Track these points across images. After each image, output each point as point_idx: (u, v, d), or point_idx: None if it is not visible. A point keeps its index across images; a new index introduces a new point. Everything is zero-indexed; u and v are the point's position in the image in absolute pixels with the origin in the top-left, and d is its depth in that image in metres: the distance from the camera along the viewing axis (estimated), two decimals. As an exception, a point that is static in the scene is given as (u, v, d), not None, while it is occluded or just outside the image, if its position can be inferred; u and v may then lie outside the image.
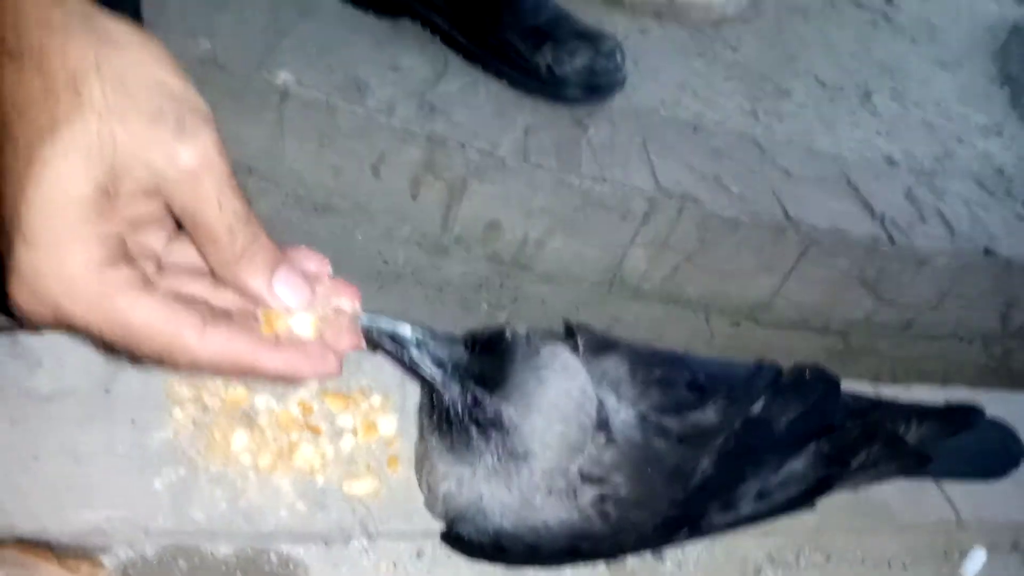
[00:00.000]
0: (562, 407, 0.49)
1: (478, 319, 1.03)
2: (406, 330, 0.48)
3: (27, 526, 0.45)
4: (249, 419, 0.55)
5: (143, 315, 0.39)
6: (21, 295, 0.38)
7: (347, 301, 0.45)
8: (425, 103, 1.00)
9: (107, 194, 0.38)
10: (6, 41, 0.37)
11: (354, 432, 0.57)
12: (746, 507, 0.56)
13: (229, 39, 0.97)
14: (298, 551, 0.51)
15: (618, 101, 1.15)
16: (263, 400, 0.56)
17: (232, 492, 0.51)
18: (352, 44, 1.04)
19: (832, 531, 0.66)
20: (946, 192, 1.25)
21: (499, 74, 1.08)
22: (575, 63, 1.06)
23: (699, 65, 1.38)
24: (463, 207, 1.03)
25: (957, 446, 0.65)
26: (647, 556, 0.59)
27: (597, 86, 1.08)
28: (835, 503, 0.64)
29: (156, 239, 0.43)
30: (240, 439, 0.53)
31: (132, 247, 0.41)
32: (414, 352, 0.48)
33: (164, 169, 0.38)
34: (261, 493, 0.52)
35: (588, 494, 0.48)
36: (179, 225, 0.43)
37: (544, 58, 1.06)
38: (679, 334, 1.15)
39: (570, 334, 0.56)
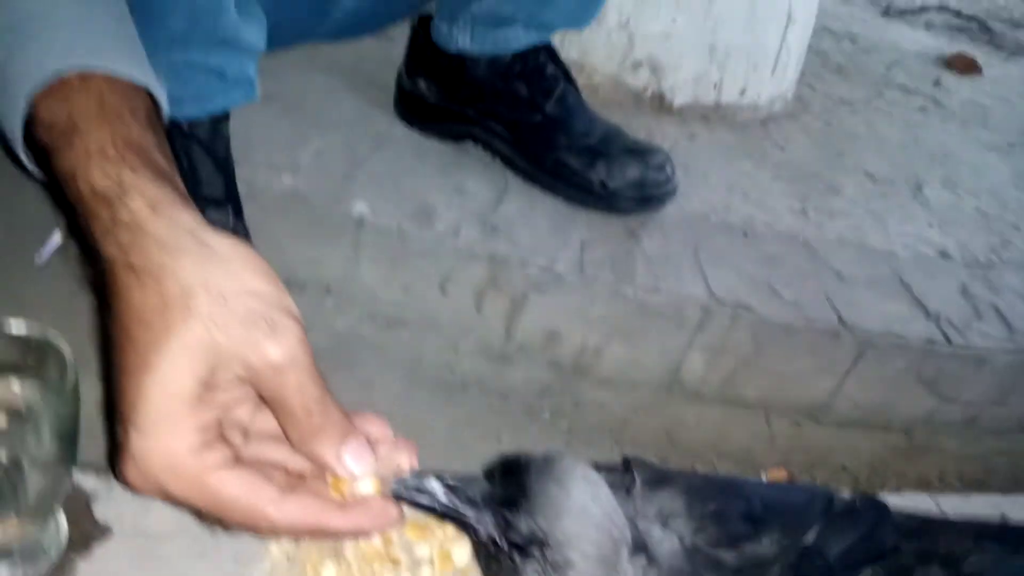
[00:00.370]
0: (590, 512, 0.52)
1: (541, 425, 1.07)
2: (431, 483, 0.52)
3: (147, 662, 0.51)
4: (337, 552, 0.60)
5: (231, 491, 0.46)
6: (131, 474, 0.46)
7: (406, 458, 0.51)
8: (488, 224, 1.08)
9: (208, 386, 0.45)
10: (131, 259, 0.45)
11: (431, 562, 0.62)
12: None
13: (310, 173, 1.06)
14: None
15: (670, 209, 1.21)
16: (349, 532, 0.62)
17: (323, 623, 0.56)
18: (420, 172, 1.12)
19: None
20: (1002, 287, 1.25)
21: (556, 191, 1.15)
22: (627, 177, 1.12)
23: (748, 166, 1.43)
24: (524, 319, 1.09)
25: (1018, 568, 0.66)
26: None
27: (649, 197, 1.14)
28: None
29: (244, 412, 0.50)
30: (329, 572, 0.59)
31: (224, 422, 0.48)
32: (445, 499, 0.52)
33: (256, 364, 0.45)
34: (349, 623, 0.57)
35: None
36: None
37: (598, 174, 1.12)
38: (740, 435, 1.17)
39: (627, 468, 0.60)
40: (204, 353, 0.44)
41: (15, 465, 0.47)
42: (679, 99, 1.52)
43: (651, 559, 0.53)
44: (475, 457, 0.99)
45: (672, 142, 1.42)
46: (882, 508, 0.63)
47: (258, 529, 0.47)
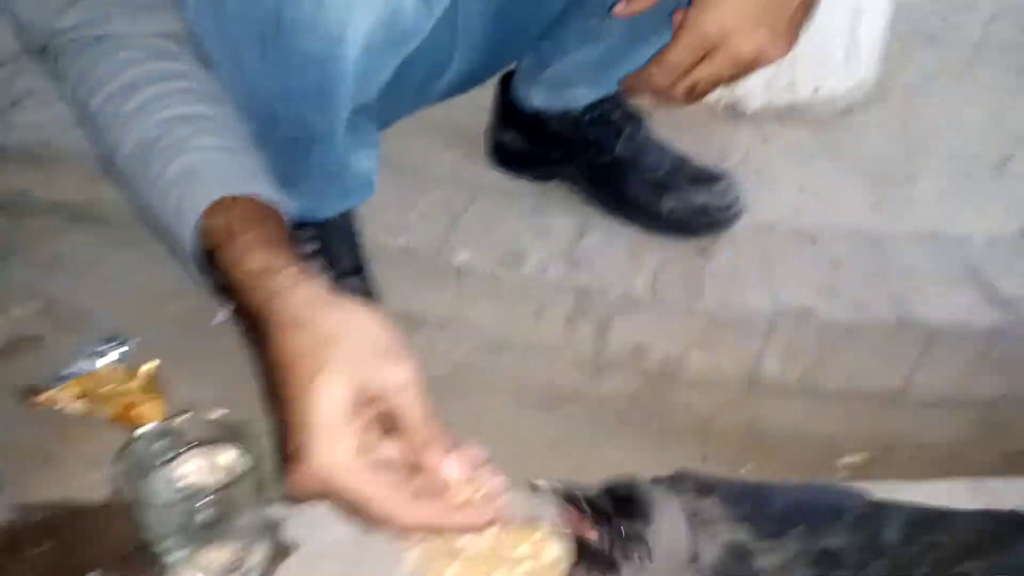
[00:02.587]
0: (673, 536, 0.69)
1: (633, 428, 1.23)
2: (547, 494, 0.71)
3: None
4: (454, 555, 0.79)
5: (376, 490, 0.63)
6: (303, 476, 0.60)
7: (498, 481, 0.69)
8: (572, 259, 1.24)
9: (361, 394, 0.63)
10: (285, 317, 0.63)
11: (532, 558, 0.80)
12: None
13: (418, 231, 1.26)
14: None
15: (743, 221, 1.33)
16: (465, 539, 0.81)
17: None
18: (510, 217, 1.30)
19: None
20: (1081, 266, 1.28)
21: (632, 222, 1.29)
22: (693, 206, 1.25)
23: (822, 164, 1.50)
24: (611, 337, 1.24)
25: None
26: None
27: (715, 223, 1.27)
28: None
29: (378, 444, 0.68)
30: (452, 572, 0.78)
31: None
32: (579, 502, 0.71)
33: (386, 384, 0.63)
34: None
35: None
36: None
37: (667, 205, 1.26)
38: (820, 424, 1.27)
39: (679, 479, 0.75)
40: (351, 377, 0.61)
41: (231, 508, 0.68)
42: (752, 105, 1.60)
43: (701, 567, 0.69)
44: (576, 462, 1.17)
45: (745, 149, 1.51)
46: (892, 508, 0.75)
47: (391, 522, 0.63)
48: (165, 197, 0.73)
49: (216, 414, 0.71)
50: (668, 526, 0.70)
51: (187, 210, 0.71)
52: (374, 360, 0.63)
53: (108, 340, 1.19)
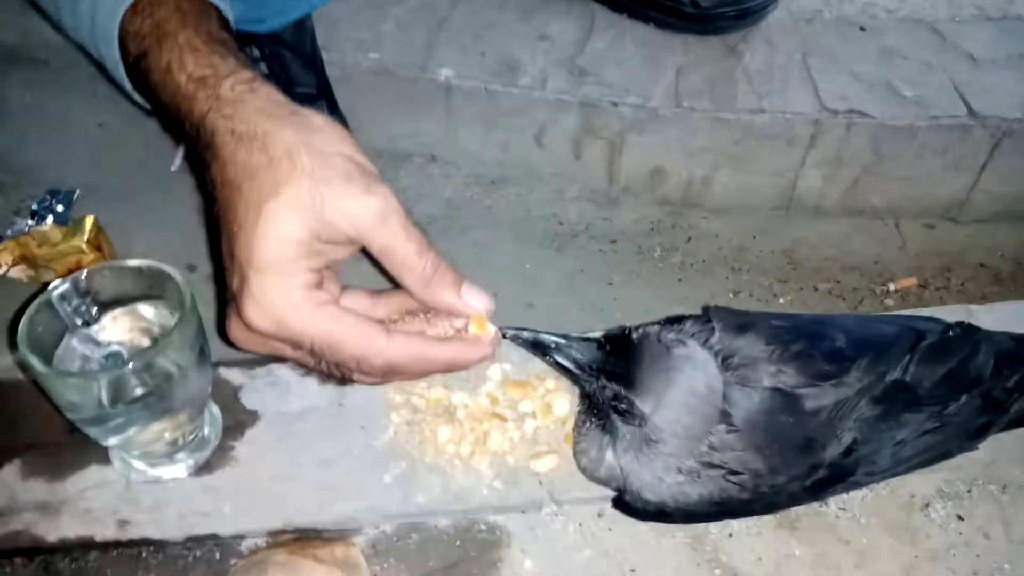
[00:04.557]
0: (689, 403, 0.55)
1: (652, 263, 1.09)
2: (544, 337, 0.57)
3: (300, 519, 0.61)
4: (450, 414, 0.67)
5: (345, 325, 0.52)
6: (251, 312, 0.51)
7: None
8: (575, 68, 1.05)
9: (317, 239, 0.51)
10: (236, 129, 0.51)
11: (534, 415, 0.68)
12: (900, 465, 0.59)
13: (394, 46, 1.07)
14: (501, 519, 0.63)
15: (777, 12, 1.12)
16: (459, 397, 0.68)
17: (444, 478, 0.64)
18: (501, 23, 1.10)
19: (1006, 463, 0.67)
20: None
21: (645, 19, 1.09)
22: (721, -8, 1.05)
23: (871, -59, 1.28)
24: (625, 159, 1.08)
25: None
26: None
27: (747, 11, 1.06)
28: (1007, 436, 0.65)
29: (335, 287, 0.56)
30: (444, 433, 0.66)
31: (325, 278, 0.54)
32: (555, 355, 0.57)
33: (360, 217, 0.50)
34: (466, 476, 0.64)
35: (714, 473, 0.55)
36: None
37: (688, -7, 1.06)
38: (867, 246, 1.13)
39: (707, 318, 0.61)
40: (312, 205, 0.49)
41: (164, 376, 0.56)
42: None
43: (731, 426, 0.55)
44: (588, 303, 1.03)
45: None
46: (978, 338, 0.61)
47: (370, 362, 0.53)
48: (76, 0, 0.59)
49: (135, 263, 0.57)
50: (689, 382, 0.55)
51: (103, 18, 0.57)
52: (345, 184, 0.50)
53: (51, 194, 1.04)
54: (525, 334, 0.58)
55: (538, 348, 0.58)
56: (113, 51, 0.57)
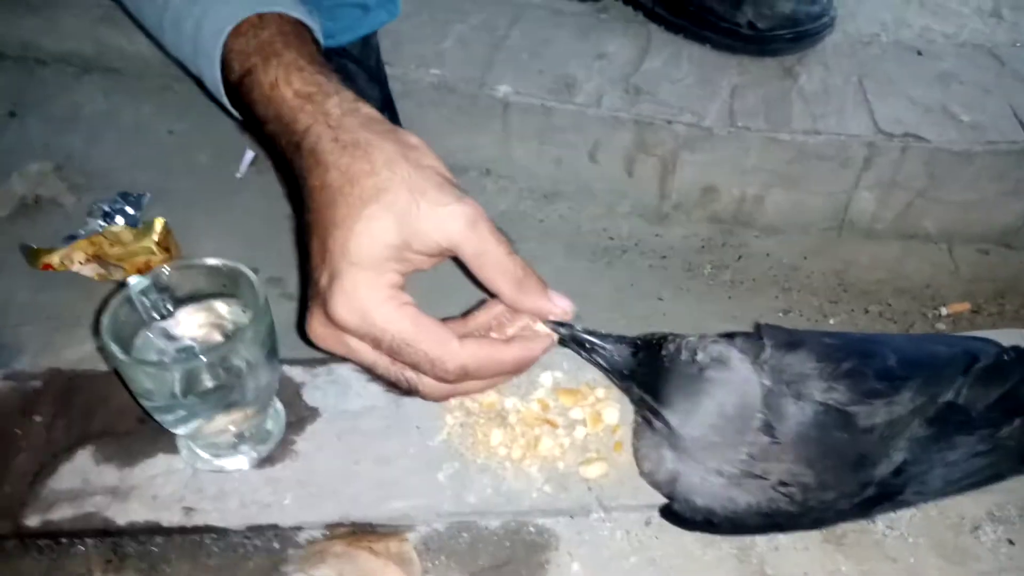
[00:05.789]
0: (718, 419, 0.56)
1: (702, 281, 1.09)
2: (580, 335, 0.59)
3: (356, 514, 0.63)
4: (502, 418, 0.69)
5: (423, 325, 0.55)
6: (339, 305, 0.54)
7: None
8: (630, 86, 1.07)
9: (408, 247, 0.54)
10: (340, 138, 0.55)
11: (584, 423, 0.69)
12: (950, 487, 0.59)
13: (454, 63, 1.10)
14: (549, 523, 0.65)
15: (834, 35, 1.13)
16: (511, 402, 0.70)
17: (495, 479, 0.66)
18: (559, 41, 1.12)
19: (1060, 489, 0.67)
20: None
21: (701, 40, 1.10)
22: (777, 15, 1.06)
23: (929, -34, 1.28)
24: (677, 177, 1.09)
25: None
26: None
27: (803, 33, 1.07)
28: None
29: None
30: (496, 436, 0.68)
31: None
32: (590, 354, 0.59)
33: (453, 224, 0.53)
34: (516, 479, 0.66)
35: (762, 484, 0.56)
36: None
37: (744, 16, 1.07)
38: (918, 270, 1.12)
39: (758, 335, 0.62)
40: (407, 215, 0.53)
41: (235, 371, 0.58)
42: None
43: (774, 439, 0.56)
44: (637, 317, 1.05)
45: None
46: (1033, 358, 0.61)
47: (445, 365, 0.55)
48: (181, 20, 0.64)
49: (212, 262, 0.60)
50: (720, 397, 0.56)
51: (206, 38, 0.62)
52: (438, 193, 0.53)
53: (122, 197, 1.09)
54: (563, 330, 0.59)
55: (575, 344, 0.60)
56: (214, 68, 0.61)
